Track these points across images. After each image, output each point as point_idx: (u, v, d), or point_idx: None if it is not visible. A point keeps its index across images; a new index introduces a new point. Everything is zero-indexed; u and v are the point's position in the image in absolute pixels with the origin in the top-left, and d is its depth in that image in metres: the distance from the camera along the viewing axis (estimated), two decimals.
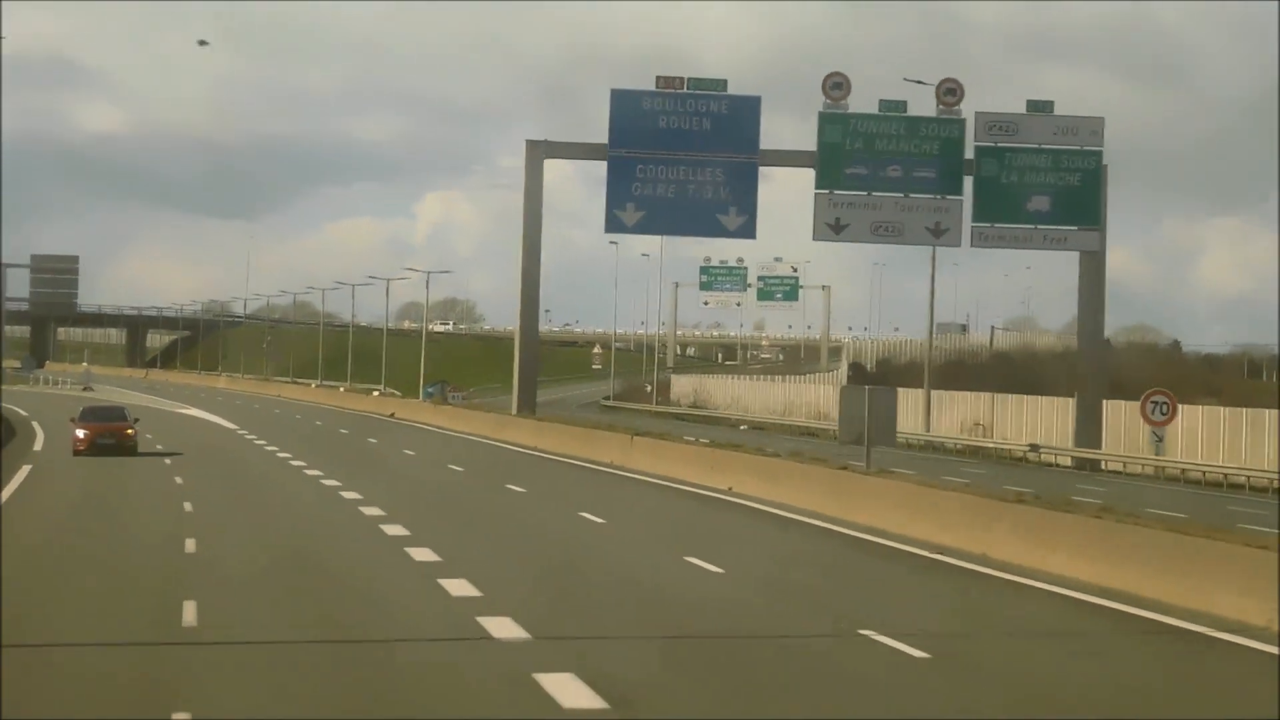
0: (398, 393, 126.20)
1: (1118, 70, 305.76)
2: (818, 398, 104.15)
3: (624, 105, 68.39)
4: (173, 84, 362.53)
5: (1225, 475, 60.48)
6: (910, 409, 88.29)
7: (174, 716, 14.70)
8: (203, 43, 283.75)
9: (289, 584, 24.31)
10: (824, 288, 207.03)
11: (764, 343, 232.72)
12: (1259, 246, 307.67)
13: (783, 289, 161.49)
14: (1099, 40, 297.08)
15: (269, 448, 60.50)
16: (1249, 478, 59.57)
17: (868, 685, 17.40)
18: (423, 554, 27.26)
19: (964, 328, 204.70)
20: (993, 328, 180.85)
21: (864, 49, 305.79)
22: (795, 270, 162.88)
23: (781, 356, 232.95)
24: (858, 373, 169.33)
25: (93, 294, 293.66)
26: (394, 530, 31.19)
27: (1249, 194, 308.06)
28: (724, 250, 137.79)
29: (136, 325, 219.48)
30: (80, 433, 52.69)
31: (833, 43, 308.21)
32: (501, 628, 19.70)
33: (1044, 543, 27.51)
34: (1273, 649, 19.81)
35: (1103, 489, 51.53)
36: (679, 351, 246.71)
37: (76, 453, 51.86)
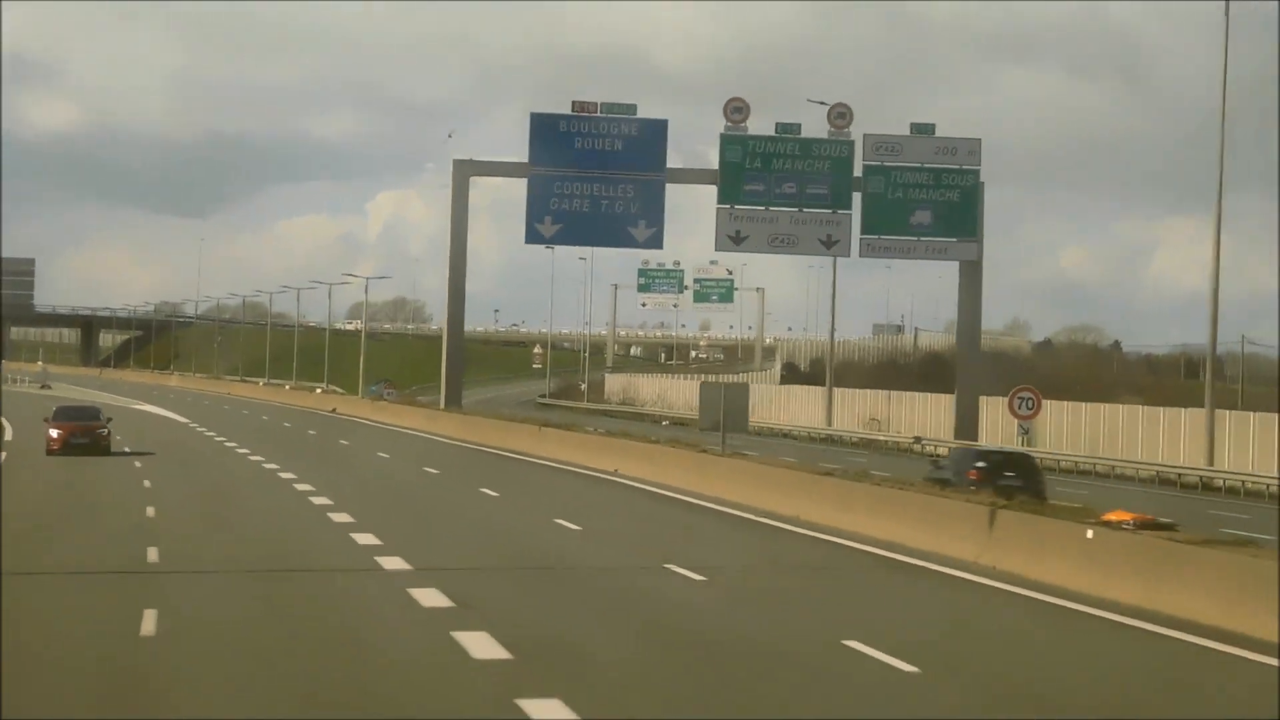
0: (340, 390, 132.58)
1: (1074, 69, 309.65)
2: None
3: (542, 127, 75.03)
4: (126, 80, 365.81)
5: (1076, 464, 67.57)
6: (816, 404, 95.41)
7: None
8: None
9: (220, 515, 30.90)
10: (758, 290, 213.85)
11: (702, 343, 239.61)
12: (1213, 246, 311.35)
13: (718, 291, 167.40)
14: (1054, 39, 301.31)
15: (218, 438, 67.02)
16: (1107, 466, 66.58)
17: (656, 601, 24.05)
18: (341, 517, 33.90)
19: (899, 329, 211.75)
20: (916, 330, 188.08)
21: (821, 47, 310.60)
22: (730, 273, 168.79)
23: (721, 356, 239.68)
24: (791, 371, 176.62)
25: (45, 291, 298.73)
26: (320, 500, 37.87)
27: (1204, 193, 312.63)
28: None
29: (91, 325, 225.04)
30: (54, 432, 53.28)
31: (794, 41, 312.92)
32: (391, 563, 26.41)
33: (844, 506, 34.34)
34: (968, 575, 26.65)
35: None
36: (624, 351, 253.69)
37: (50, 452, 52.40)
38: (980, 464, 42.25)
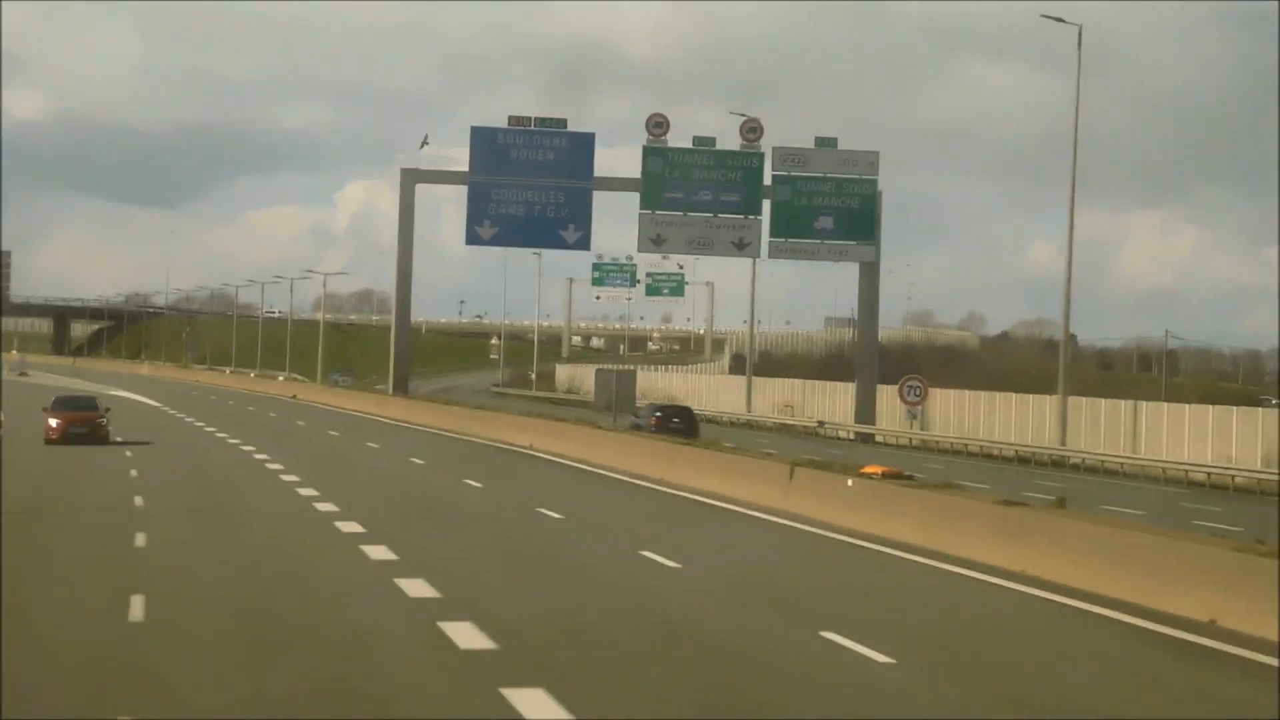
0: (301, 378, 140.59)
1: (1040, 62, 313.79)
2: (669, 384, 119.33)
3: (481, 140, 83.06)
4: (96, 71, 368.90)
5: (951, 444, 75.90)
6: (737, 392, 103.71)
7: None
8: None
9: (186, 471, 38.98)
10: (708, 284, 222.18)
11: (655, 335, 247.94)
12: (1181, 239, 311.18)
13: (669, 285, 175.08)
14: (1020, 32, 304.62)
15: (186, 419, 75.01)
16: (993, 448, 74.79)
17: (523, 532, 32.12)
18: (290, 477, 42.01)
19: (851, 322, 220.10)
20: (827, 321, 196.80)
21: (789, 42, 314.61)
22: (681, 268, 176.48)
23: (676, 347, 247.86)
24: (739, 362, 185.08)
25: (17, 282, 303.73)
26: (274, 466, 46.00)
27: (1173, 187, 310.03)
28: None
29: (64, 315, 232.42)
30: (53, 422, 53.85)
31: (764, 35, 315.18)
32: (325, 506, 34.55)
33: (700, 471, 42.47)
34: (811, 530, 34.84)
35: (840, 453, 66.48)
36: (583, 342, 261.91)
37: (49, 441, 52.80)
38: (658, 414, 65.15)
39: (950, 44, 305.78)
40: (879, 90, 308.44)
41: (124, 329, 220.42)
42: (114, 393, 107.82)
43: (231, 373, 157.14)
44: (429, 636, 18.57)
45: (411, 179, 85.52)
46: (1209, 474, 59.37)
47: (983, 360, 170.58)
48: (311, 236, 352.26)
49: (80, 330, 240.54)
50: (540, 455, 53.96)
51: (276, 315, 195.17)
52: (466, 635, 18.48)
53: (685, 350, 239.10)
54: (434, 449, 56.87)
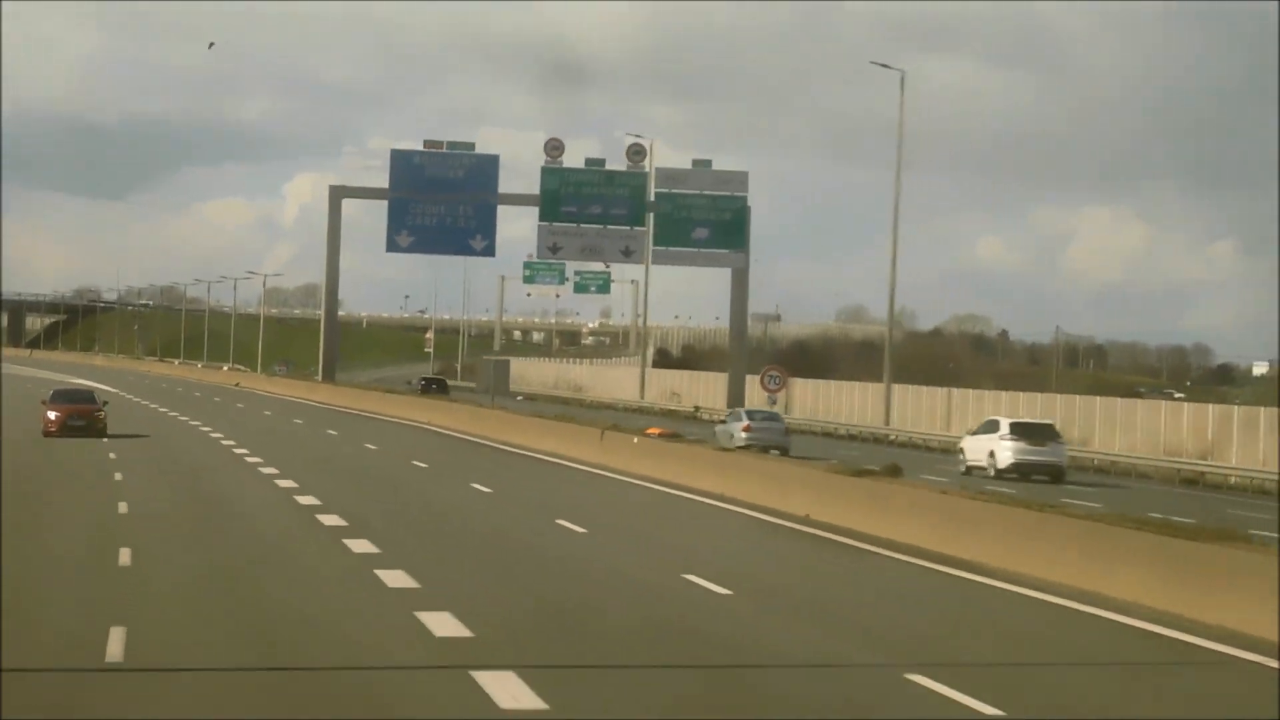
0: (243, 368, 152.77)
1: (992, 58, 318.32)
2: (579, 375, 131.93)
3: (400, 160, 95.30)
4: (40, 63, 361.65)
5: (810, 426, 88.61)
6: (633, 381, 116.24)
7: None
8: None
9: (163, 456, 51.17)
10: (633, 282, 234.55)
11: (585, 330, 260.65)
12: (1131, 235, 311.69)
13: (596, 283, 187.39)
14: (973, 28, 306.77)
15: (144, 402, 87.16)
16: (831, 428, 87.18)
17: (394, 475, 44.44)
18: (240, 450, 54.26)
19: (777, 318, 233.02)
20: (766, 320, 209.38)
21: (739, 36, 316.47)
22: (607, 267, 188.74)
23: (606, 341, 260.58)
24: (663, 356, 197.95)
25: None
26: (215, 435, 58.26)
27: (1124, 183, 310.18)
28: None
29: (18, 308, 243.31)
30: (52, 414, 54.84)
31: (714, 31, 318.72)
32: (253, 459, 46.93)
33: (566, 440, 54.51)
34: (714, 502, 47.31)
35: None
36: (524, 336, 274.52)
37: (47, 434, 53.85)
38: (422, 382, 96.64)
39: (896, 37, 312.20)
40: (826, 85, 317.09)
41: (79, 322, 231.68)
42: (76, 382, 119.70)
43: (180, 364, 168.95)
44: (320, 534, 30.92)
45: (338, 195, 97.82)
46: None
47: (902, 354, 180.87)
48: (260, 228, 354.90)
49: (34, 324, 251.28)
50: (432, 429, 66.37)
51: (226, 311, 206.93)
52: (329, 518, 30.83)
53: (615, 344, 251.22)
54: (345, 425, 69.17)
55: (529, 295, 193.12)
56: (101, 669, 15.76)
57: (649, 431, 46.51)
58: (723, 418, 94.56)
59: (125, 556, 24.10)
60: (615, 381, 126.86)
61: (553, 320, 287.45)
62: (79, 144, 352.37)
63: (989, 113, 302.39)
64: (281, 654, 17.18)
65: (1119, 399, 76.55)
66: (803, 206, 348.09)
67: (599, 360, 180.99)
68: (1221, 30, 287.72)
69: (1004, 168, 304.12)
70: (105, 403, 58.27)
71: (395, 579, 22.18)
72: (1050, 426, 58.23)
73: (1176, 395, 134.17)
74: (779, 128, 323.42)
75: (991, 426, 57.44)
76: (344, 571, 23.49)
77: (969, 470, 55.60)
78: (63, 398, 57.11)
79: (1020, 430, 55.91)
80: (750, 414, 63.91)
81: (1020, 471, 54.04)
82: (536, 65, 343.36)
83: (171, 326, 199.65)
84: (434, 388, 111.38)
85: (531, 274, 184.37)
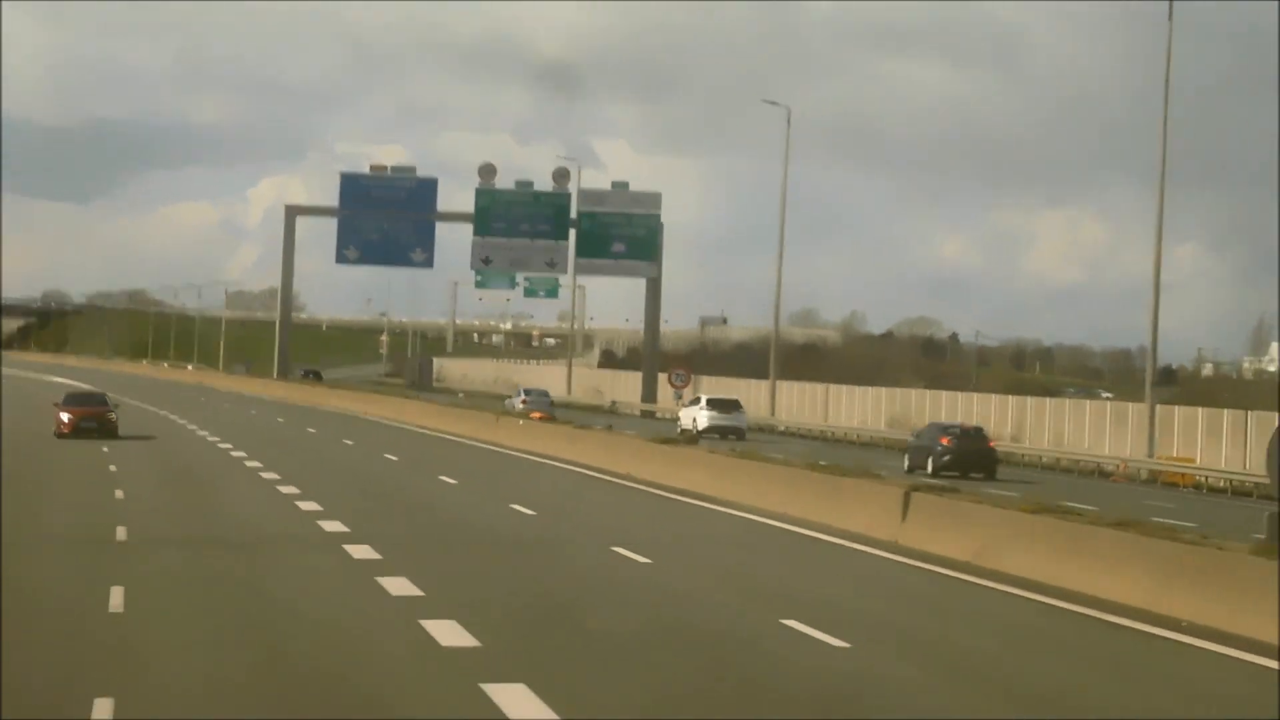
0: (204, 368, 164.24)
1: (953, 60, 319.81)
2: (517, 373, 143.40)
3: (349, 182, 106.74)
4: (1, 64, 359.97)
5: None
6: (562, 379, 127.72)
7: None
8: None
9: (137, 431, 62.35)
10: (580, 287, 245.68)
11: (534, 332, 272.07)
12: (1089, 237, 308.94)
13: (545, 287, 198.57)
14: (934, 31, 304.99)
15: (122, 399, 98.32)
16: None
17: (312, 448, 55.72)
18: (204, 432, 65.51)
19: (724, 320, 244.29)
20: (701, 320, 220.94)
21: (700, 37, 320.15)
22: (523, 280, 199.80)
23: (553, 342, 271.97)
24: (608, 357, 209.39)
25: None
26: (182, 420, 69.51)
27: (1082, 185, 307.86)
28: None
29: None
30: (65, 416, 55.59)
31: (675, 31, 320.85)
32: (223, 444, 58.25)
33: (484, 428, 65.72)
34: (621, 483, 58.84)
35: (620, 420, 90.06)
36: (480, 338, 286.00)
37: (60, 435, 54.70)
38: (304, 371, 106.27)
39: (857, 40, 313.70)
40: (784, 84, 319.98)
41: (50, 324, 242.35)
42: (50, 379, 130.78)
43: (148, 364, 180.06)
44: (276, 499, 42.31)
45: (293, 213, 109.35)
46: (857, 435, 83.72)
47: (844, 356, 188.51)
48: (224, 231, 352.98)
49: (6, 326, 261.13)
50: (366, 417, 77.85)
51: (192, 316, 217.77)
52: (285, 486, 42.20)
53: (564, 346, 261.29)
54: (294, 414, 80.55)
55: (480, 300, 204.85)
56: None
57: (533, 416, 58.04)
58: (635, 411, 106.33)
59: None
60: (549, 379, 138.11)
61: (508, 324, 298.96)
62: (40, 147, 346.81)
63: (943, 112, 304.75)
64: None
65: (1030, 398, 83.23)
66: (772, 208, 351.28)
67: (545, 361, 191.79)
68: (1181, 31, 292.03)
69: (959, 168, 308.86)
70: (116, 405, 59.04)
71: (333, 527, 33.41)
72: (735, 401, 79.86)
73: (1105, 395, 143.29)
74: (744, 128, 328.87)
75: (696, 402, 79.72)
76: (278, 507, 34.72)
77: (682, 432, 71.89)
78: (75, 401, 58.17)
79: (713, 404, 78.58)
80: (527, 391, 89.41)
81: (718, 433, 73.07)
82: (500, 67, 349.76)
83: (139, 329, 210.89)
84: (311, 376, 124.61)
85: (484, 279, 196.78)
